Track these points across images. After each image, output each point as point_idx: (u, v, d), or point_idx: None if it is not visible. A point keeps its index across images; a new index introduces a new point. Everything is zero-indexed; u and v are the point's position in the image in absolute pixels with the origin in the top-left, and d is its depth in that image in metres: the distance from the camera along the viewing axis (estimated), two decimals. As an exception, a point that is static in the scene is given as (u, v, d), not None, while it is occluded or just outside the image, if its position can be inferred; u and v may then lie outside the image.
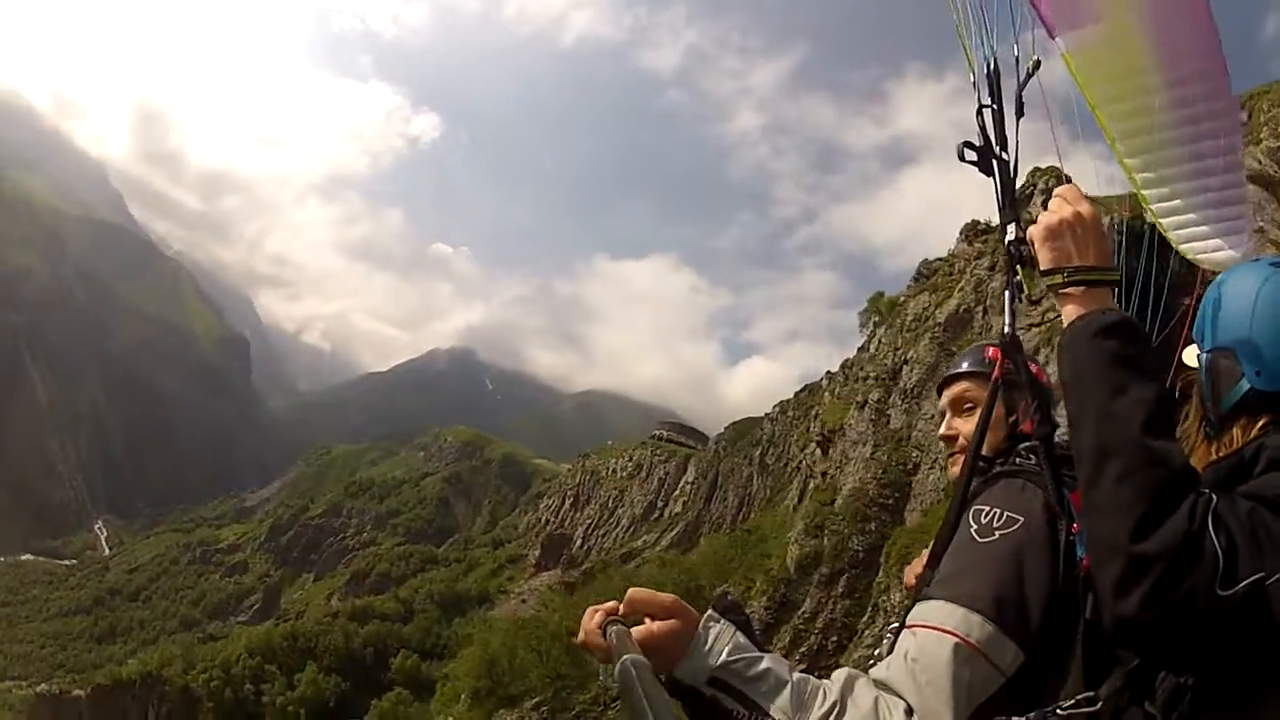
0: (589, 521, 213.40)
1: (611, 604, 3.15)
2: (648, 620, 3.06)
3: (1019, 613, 3.34)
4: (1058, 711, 3.33)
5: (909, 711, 3.05)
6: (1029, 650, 3.30)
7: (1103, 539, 2.97)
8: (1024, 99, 4.44)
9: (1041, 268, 3.64)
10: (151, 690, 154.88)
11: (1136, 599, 2.79)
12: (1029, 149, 4.31)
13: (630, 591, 3.13)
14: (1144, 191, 5.54)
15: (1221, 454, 3.61)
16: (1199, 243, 5.92)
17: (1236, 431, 3.61)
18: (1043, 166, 68.64)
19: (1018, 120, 4.31)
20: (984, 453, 4.27)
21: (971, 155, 4.31)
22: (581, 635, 3.12)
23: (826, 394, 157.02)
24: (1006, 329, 4.13)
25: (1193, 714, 3.08)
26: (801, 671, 3.09)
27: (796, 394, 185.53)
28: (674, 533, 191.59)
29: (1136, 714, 3.24)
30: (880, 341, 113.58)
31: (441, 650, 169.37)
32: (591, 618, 3.14)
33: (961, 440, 4.90)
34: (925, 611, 3.40)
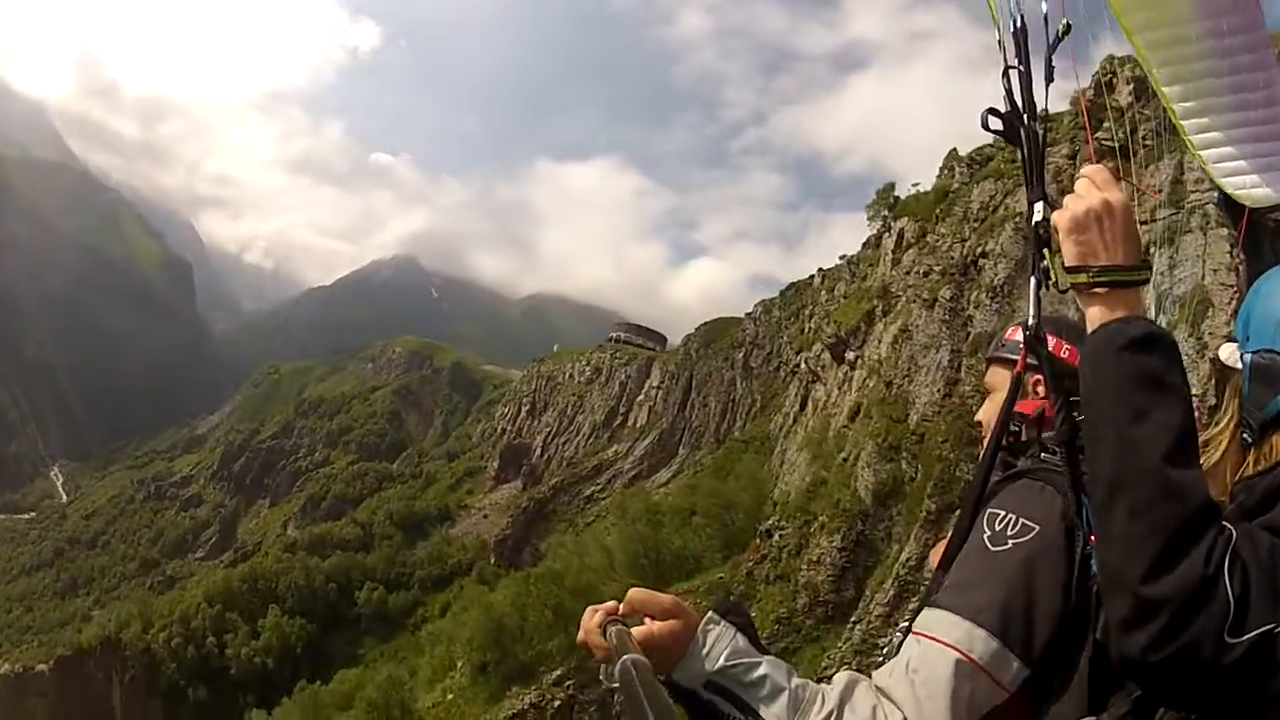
0: (548, 429, 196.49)
1: (611, 604, 3.01)
2: (648, 620, 2.93)
3: (1025, 628, 3.15)
4: None
5: None
6: (1033, 666, 3.12)
7: (1112, 573, 2.74)
8: (1054, 63, 3.89)
9: (1066, 262, 3.18)
10: (113, 656, 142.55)
11: (1142, 640, 2.62)
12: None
13: (631, 592, 3.01)
14: (1183, 122, 5.06)
15: (1260, 466, 3.22)
16: (1239, 177, 5.44)
17: (1277, 440, 3.20)
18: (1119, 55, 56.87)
19: (1047, 86, 3.81)
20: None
21: (997, 123, 3.79)
22: (581, 634, 2.96)
23: (823, 292, 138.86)
24: (1031, 319, 3.67)
25: None
26: (801, 675, 3.01)
27: (782, 293, 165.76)
28: (648, 441, 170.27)
29: None
30: (941, 234, 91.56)
31: (408, 579, 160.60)
32: (591, 617, 2.98)
33: (984, 429, 4.40)
34: (931, 621, 3.20)
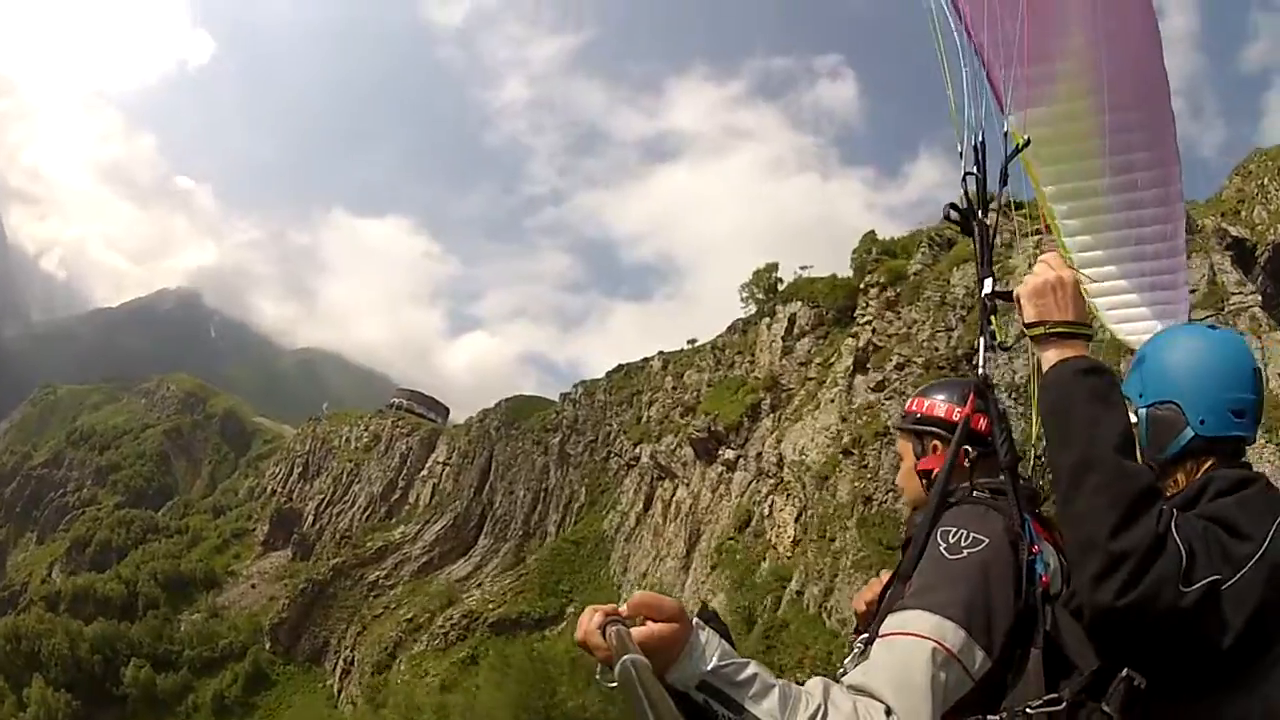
0: (320, 496, 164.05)
1: (610, 606, 2.92)
2: (649, 622, 2.81)
3: (987, 622, 3.22)
4: (1027, 711, 3.19)
5: (888, 712, 2.94)
6: (994, 657, 3.19)
7: (1082, 540, 3.13)
8: (1008, 171, 4.46)
9: (1025, 320, 3.73)
10: None
11: (1113, 588, 2.95)
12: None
13: (635, 595, 2.93)
14: (1082, 270, 4.82)
15: (1170, 494, 3.61)
16: (1131, 324, 5.33)
17: (1181, 476, 3.71)
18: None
19: (1001, 188, 4.36)
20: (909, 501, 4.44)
21: (955, 215, 4.37)
22: (580, 634, 2.86)
23: (667, 377, 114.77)
24: (980, 371, 4.07)
25: (1144, 713, 3.14)
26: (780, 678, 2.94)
27: (609, 374, 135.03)
28: (439, 526, 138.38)
29: (1096, 714, 3.18)
30: (913, 321, 71.80)
31: (176, 658, 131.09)
32: (591, 618, 2.87)
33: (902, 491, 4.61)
34: (901, 620, 3.24)
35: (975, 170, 4.41)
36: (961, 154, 4.39)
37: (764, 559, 70.80)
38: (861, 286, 78.65)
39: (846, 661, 3.61)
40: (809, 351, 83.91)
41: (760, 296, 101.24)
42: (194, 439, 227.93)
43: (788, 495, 72.24)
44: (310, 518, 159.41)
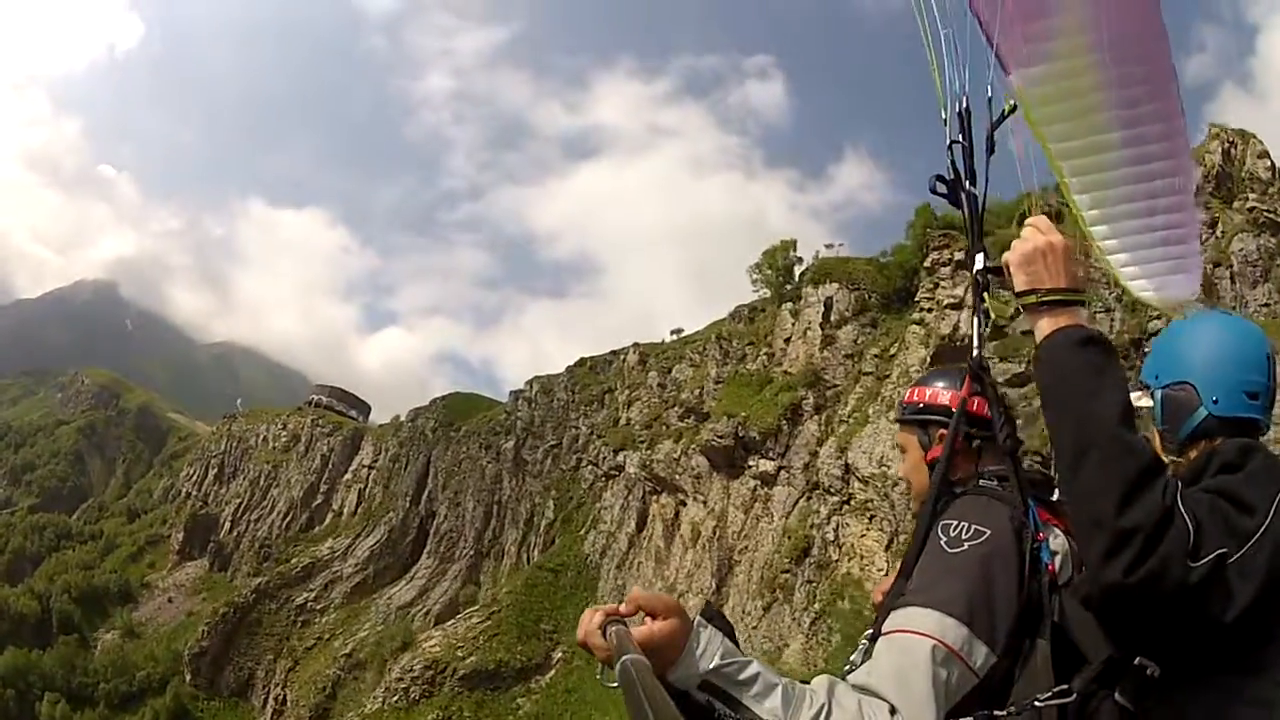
0: (238, 501, 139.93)
1: (611, 605, 2.70)
2: (648, 620, 2.62)
3: (990, 616, 2.98)
4: (1035, 703, 2.95)
5: (892, 711, 2.73)
6: (999, 652, 2.96)
7: (1089, 518, 2.82)
8: (995, 138, 3.91)
9: (1016, 289, 3.33)
10: None
11: (1122, 564, 2.68)
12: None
13: (632, 591, 2.74)
14: (1092, 229, 4.53)
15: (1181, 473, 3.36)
16: (1145, 280, 4.76)
17: (1194, 454, 3.40)
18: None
19: (988, 157, 3.86)
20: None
21: (943, 188, 3.89)
22: (581, 634, 2.66)
23: (649, 373, 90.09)
24: (975, 352, 3.69)
25: (1158, 701, 2.90)
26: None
27: (570, 369, 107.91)
28: (373, 540, 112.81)
29: (1108, 704, 2.95)
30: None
31: (92, 692, 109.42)
32: (592, 618, 2.67)
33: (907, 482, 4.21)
34: (902, 618, 3.01)
35: (961, 139, 3.83)
36: (945, 121, 3.86)
37: (844, 596, 52.59)
38: (927, 265, 62.29)
39: (854, 658, 3.29)
40: (857, 341, 65.12)
41: (774, 278, 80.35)
42: (108, 436, 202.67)
43: (869, 516, 54.19)
44: (227, 524, 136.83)
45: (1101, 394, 2.89)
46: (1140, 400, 3.50)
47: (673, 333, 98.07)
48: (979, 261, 3.57)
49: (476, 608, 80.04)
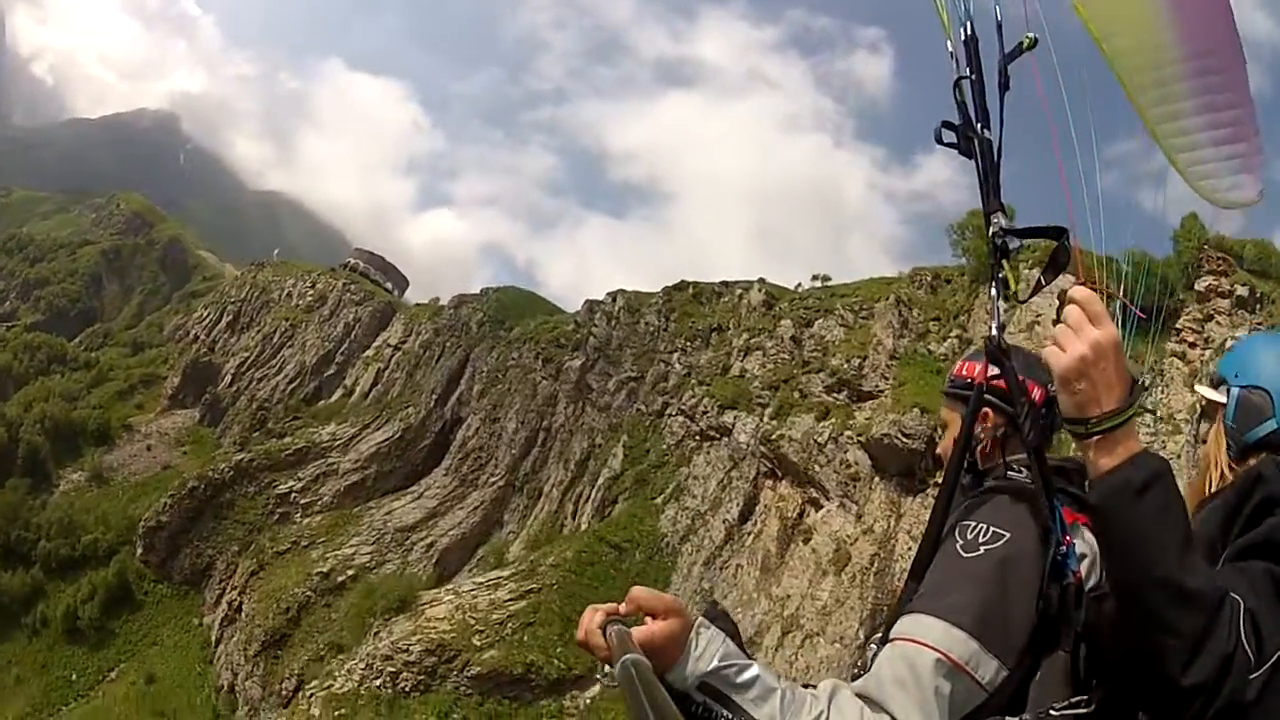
0: (245, 355, 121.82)
1: (611, 605, 2.61)
2: (648, 620, 2.51)
3: (1002, 628, 2.75)
4: (1051, 713, 2.76)
5: None
6: (1011, 666, 2.73)
7: (1150, 676, 2.55)
8: (1008, 72, 3.29)
9: (1063, 413, 2.77)
10: None
11: (1190, 715, 2.45)
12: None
13: (633, 590, 2.60)
14: (1158, 127, 4.12)
15: (1232, 479, 3.29)
16: (1212, 180, 4.27)
17: (1253, 463, 3.23)
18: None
19: (1001, 95, 3.25)
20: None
21: (950, 136, 3.24)
22: (581, 633, 2.55)
23: (784, 321, 65.79)
24: (993, 331, 3.12)
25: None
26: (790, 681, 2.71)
27: (667, 290, 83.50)
28: (383, 436, 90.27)
29: (1127, 717, 2.80)
30: None
31: (30, 550, 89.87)
32: (592, 617, 2.58)
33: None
34: (909, 626, 2.79)
35: (969, 73, 3.25)
36: (952, 54, 3.29)
37: None
38: (1199, 289, 49.20)
39: (866, 659, 3.02)
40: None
41: (982, 248, 55.90)
42: (132, 263, 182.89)
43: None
44: (229, 377, 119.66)
45: (1168, 548, 2.51)
46: (1212, 394, 3.41)
47: (815, 278, 76.95)
48: (996, 221, 2.98)
49: (507, 573, 58.16)
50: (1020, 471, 3.11)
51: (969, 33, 3.28)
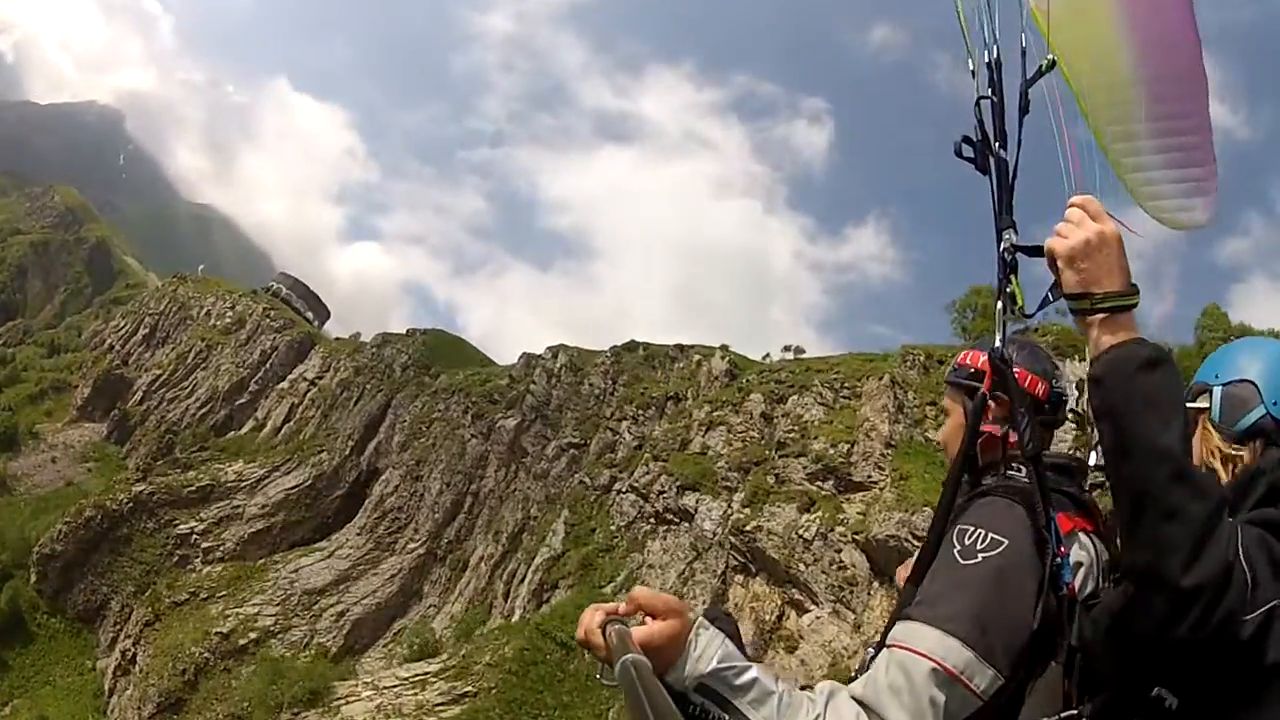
0: (159, 372, 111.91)
1: (611, 605, 2.60)
2: (648, 620, 2.50)
3: (998, 638, 2.71)
4: None
5: None
6: (1006, 675, 2.69)
7: (1146, 574, 2.51)
8: (1029, 96, 3.45)
9: (1066, 290, 2.83)
10: None
11: (1188, 625, 2.39)
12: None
13: (634, 590, 2.61)
14: (1112, 147, 3.93)
15: (1233, 475, 3.18)
16: (1164, 201, 4.12)
17: (1246, 455, 3.20)
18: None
19: (1021, 118, 3.39)
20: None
21: (969, 151, 3.38)
22: (581, 633, 2.57)
23: (752, 395, 56.18)
24: (997, 342, 3.23)
25: None
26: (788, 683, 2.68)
27: (616, 350, 75.42)
28: (295, 482, 79.43)
29: None
30: None
31: None
32: (592, 616, 2.58)
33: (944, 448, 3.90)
34: (905, 633, 2.77)
35: (991, 94, 3.38)
36: (974, 73, 3.43)
37: None
38: None
39: (862, 665, 3.04)
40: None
41: (983, 327, 53.75)
42: (58, 260, 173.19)
43: None
44: (140, 394, 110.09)
45: (1171, 426, 2.53)
46: (1195, 405, 3.32)
47: (787, 349, 71.10)
48: (1007, 239, 3.11)
49: (435, 668, 48.45)
50: (1020, 471, 3.09)
51: (995, 55, 3.36)
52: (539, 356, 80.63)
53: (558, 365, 77.75)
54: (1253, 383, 3.22)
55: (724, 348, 71.04)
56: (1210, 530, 2.41)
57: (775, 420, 56.28)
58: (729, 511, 50.90)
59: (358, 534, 74.21)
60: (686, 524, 52.85)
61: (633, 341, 78.36)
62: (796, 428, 53.83)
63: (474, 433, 75.45)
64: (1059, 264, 2.82)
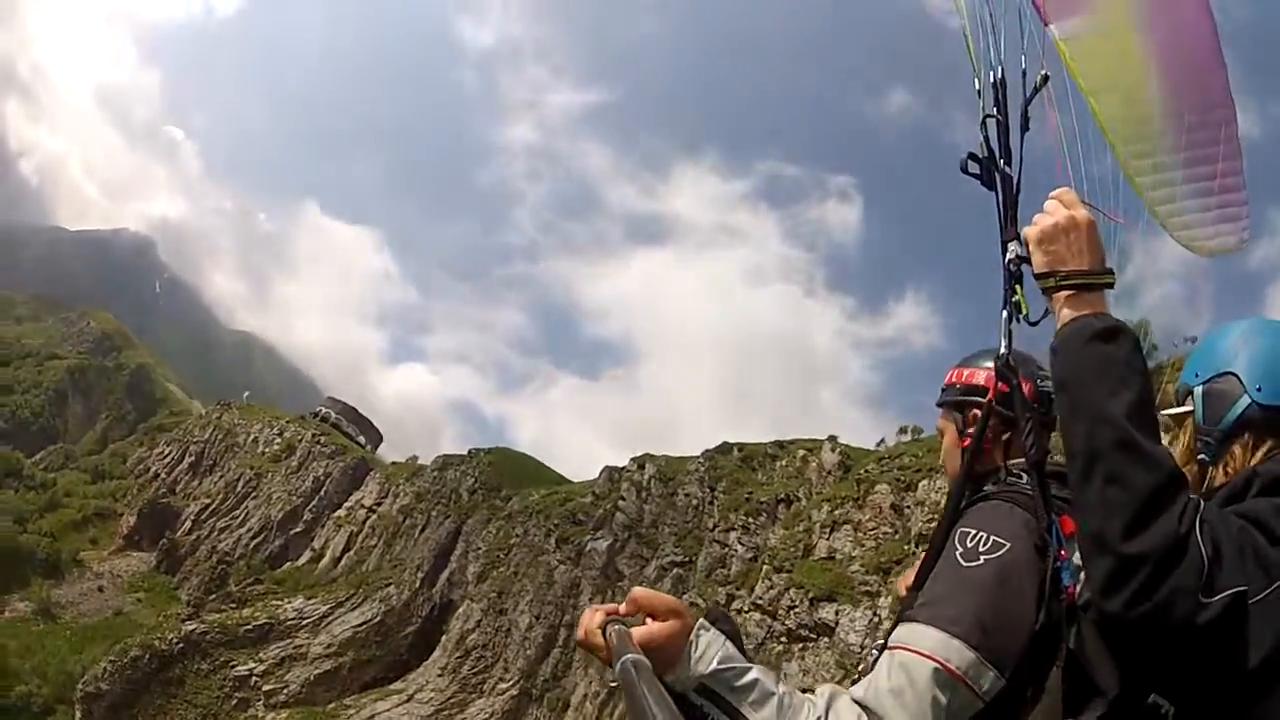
0: (207, 501, 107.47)
1: (612, 605, 2.60)
2: (648, 620, 2.51)
3: (1000, 639, 2.69)
4: None
5: None
6: (1008, 676, 2.68)
7: (1093, 537, 2.52)
8: (1029, 114, 3.56)
9: (1035, 270, 2.99)
10: None
11: (1124, 597, 2.39)
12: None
13: (634, 590, 2.61)
14: (1139, 179, 3.91)
15: (1228, 473, 3.09)
16: (1194, 230, 4.17)
17: (1238, 450, 3.09)
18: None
19: (1022, 135, 3.49)
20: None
21: (974, 167, 3.48)
22: (581, 633, 2.57)
23: (881, 485, 49.47)
24: (1002, 350, 3.27)
25: None
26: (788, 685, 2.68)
27: (709, 454, 66.81)
28: (362, 617, 73.39)
29: None
30: None
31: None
32: (592, 617, 2.58)
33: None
34: (907, 634, 2.75)
35: (995, 112, 3.46)
36: (979, 93, 3.53)
37: None
38: None
39: (862, 668, 3.04)
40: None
41: None
42: (97, 386, 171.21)
43: None
44: (188, 524, 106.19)
45: (1119, 394, 2.56)
46: (1180, 409, 3.29)
47: (903, 430, 66.14)
48: (1012, 250, 3.16)
49: None
50: (1020, 476, 3.08)
51: (999, 75, 3.46)
52: (623, 469, 75.21)
53: (646, 477, 72.10)
54: (1233, 374, 3.07)
55: (832, 439, 65.43)
56: (1157, 501, 2.38)
57: (907, 510, 51.31)
58: (875, 620, 45.76)
59: (439, 674, 68.65)
60: (826, 639, 47.41)
61: (725, 443, 72.18)
62: (935, 514, 47.24)
63: (561, 558, 70.06)
64: (1031, 246, 2.92)
